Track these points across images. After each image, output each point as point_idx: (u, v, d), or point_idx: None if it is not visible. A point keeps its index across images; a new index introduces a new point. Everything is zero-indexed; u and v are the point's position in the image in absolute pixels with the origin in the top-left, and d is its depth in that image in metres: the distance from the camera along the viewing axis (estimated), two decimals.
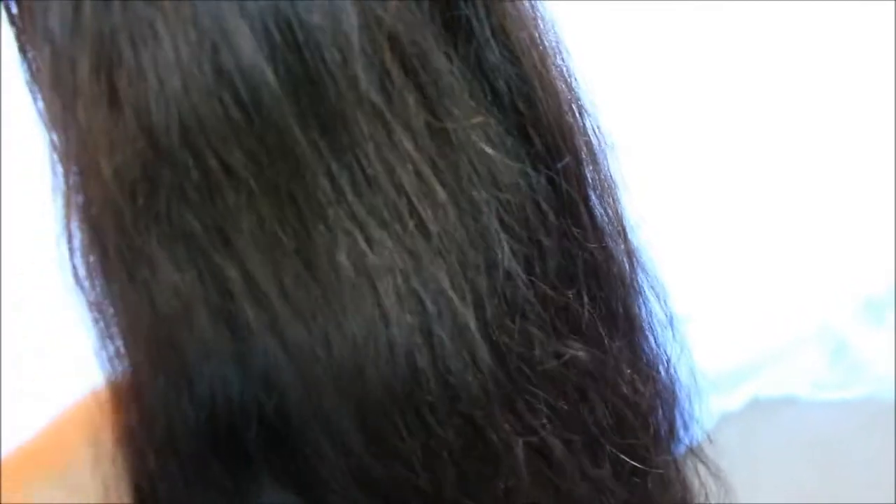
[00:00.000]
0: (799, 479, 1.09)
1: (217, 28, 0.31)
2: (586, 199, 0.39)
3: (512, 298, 0.35)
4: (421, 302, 0.32)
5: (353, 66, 0.31)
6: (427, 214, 0.33)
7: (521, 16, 0.37)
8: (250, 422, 0.32)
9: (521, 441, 0.34)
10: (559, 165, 0.37)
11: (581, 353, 0.37)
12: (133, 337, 0.34)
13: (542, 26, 0.38)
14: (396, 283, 0.32)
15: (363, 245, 0.32)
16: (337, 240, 0.32)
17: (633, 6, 1.05)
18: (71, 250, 0.36)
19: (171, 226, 0.32)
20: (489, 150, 0.34)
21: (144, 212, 0.32)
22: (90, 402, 0.38)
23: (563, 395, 0.37)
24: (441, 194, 0.33)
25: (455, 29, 0.35)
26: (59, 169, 0.36)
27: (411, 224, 0.32)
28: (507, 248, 0.34)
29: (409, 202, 0.32)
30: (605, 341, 0.39)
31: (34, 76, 0.37)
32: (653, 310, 0.45)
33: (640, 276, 0.44)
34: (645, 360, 0.44)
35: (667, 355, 0.47)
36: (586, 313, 0.38)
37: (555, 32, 0.39)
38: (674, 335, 0.47)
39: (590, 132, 0.40)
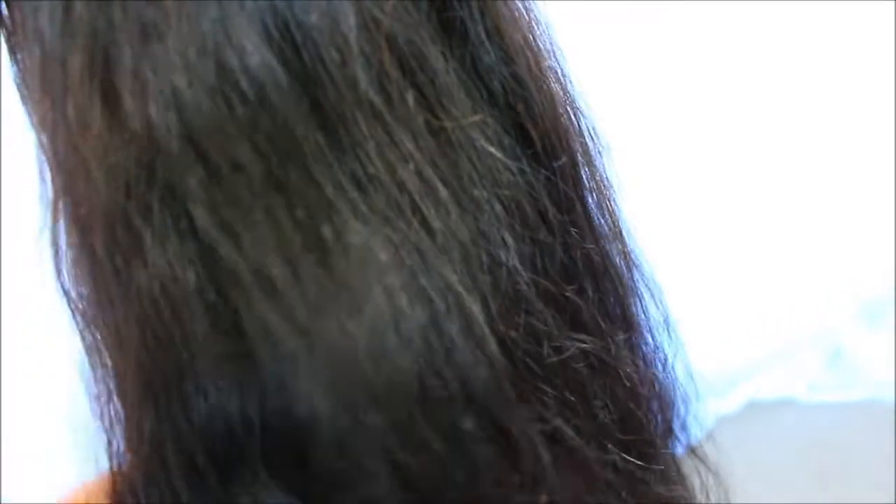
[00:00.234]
0: (797, 481, 1.09)
1: (220, 27, 0.31)
2: (583, 200, 0.40)
3: (515, 294, 0.35)
4: (429, 298, 0.32)
5: (351, 66, 0.32)
6: (430, 212, 0.33)
7: (516, 17, 0.37)
8: (253, 427, 0.32)
9: (538, 429, 0.34)
10: (556, 166, 0.37)
11: (585, 346, 0.37)
12: (121, 343, 0.34)
13: (536, 28, 0.39)
14: (404, 279, 0.32)
15: (370, 242, 0.32)
16: (346, 236, 0.32)
17: (629, 7, 1.06)
18: (56, 254, 0.36)
19: (170, 224, 0.32)
20: (489, 148, 0.34)
21: (139, 211, 0.31)
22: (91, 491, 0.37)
23: (569, 387, 0.37)
24: (442, 192, 0.33)
25: (450, 30, 0.35)
26: (46, 172, 0.36)
27: (415, 222, 0.32)
28: (508, 245, 0.35)
29: (412, 200, 0.32)
30: (608, 335, 0.40)
31: (23, 77, 0.37)
32: (649, 310, 0.45)
33: (636, 277, 0.44)
34: (642, 360, 0.45)
35: (664, 355, 0.47)
36: (588, 308, 0.38)
37: (549, 34, 0.40)
38: (670, 336, 0.47)
39: (585, 134, 0.40)
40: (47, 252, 0.36)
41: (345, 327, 0.31)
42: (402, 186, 0.32)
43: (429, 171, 0.33)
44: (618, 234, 0.42)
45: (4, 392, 0.77)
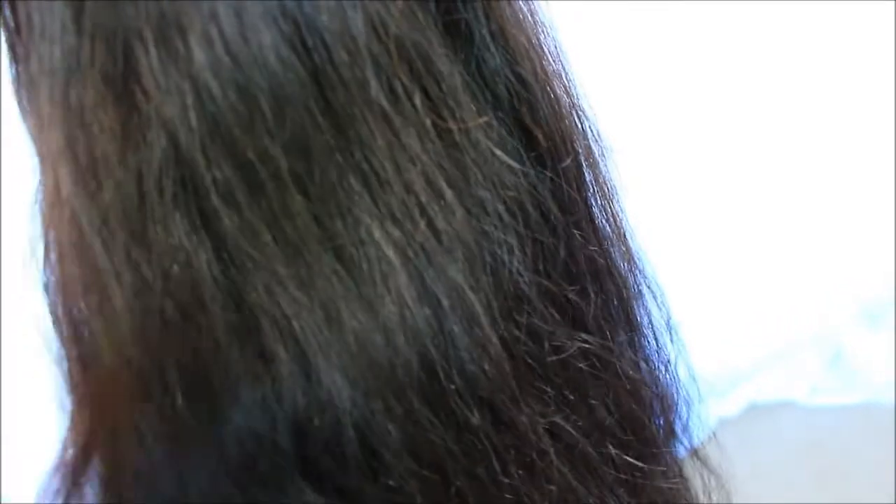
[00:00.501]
0: (797, 482, 1.09)
1: (238, 26, 0.31)
2: (586, 202, 0.40)
3: (518, 294, 0.35)
4: (435, 296, 0.33)
5: (361, 68, 0.32)
6: (435, 213, 0.33)
7: (521, 20, 0.37)
8: (278, 426, 0.33)
9: (541, 422, 0.36)
10: (560, 168, 0.38)
11: (586, 346, 0.38)
12: (117, 353, 0.34)
13: (541, 30, 0.39)
14: (412, 278, 0.33)
15: (380, 241, 0.33)
16: (359, 235, 0.33)
17: (632, 7, 1.06)
18: (48, 262, 0.36)
19: (188, 224, 0.32)
20: (493, 151, 0.35)
21: (158, 211, 0.32)
22: None
23: (569, 385, 0.38)
24: (448, 193, 0.34)
25: (455, 33, 0.35)
26: (42, 178, 0.36)
27: (422, 222, 0.33)
28: (511, 246, 0.35)
29: (419, 201, 0.33)
30: (609, 336, 0.40)
31: (25, 78, 0.37)
32: (651, 312, 0.46)
33: (639, 279, 0.44)
34: (645, 361, 0.45)
35: (666, 356, 0.47)
36: (590, 309, 0.39)
37: (554, 36, 0.40)
38: (671, 338, 0.47)
39: (589, 136, 0.41)
40: (36, 260, 0.36)
41: (358, 323, 0.32)
42: (409, 187, 0.33)
43: (435, 173, 0.33)
44: (621, 237, 0.42)
45: (4, 392, 0.77)
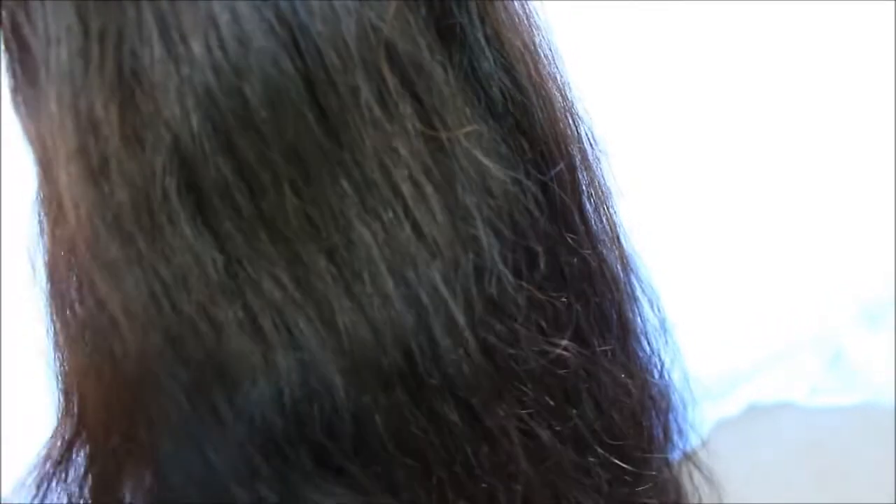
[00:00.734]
0: (797, 483, 1.09)
1: (236, 32, 0.31)
2: (580, 205, 0.40)
3: (500, 300, 0.36)
4: (419, 298, 0.34)
5: (352, 73, 0.33)
6: (421, 218, 0.34)
7: (516, 23, 0.38)
8: (287, 416, 0.34)
9: (514, 427, 0.37)
10: (553, 172, 0.38)
11: (567, 353, 0.38)
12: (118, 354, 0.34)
13: (536, 34, 0.39)
14: (397, 281, 0.34)
15: (369, 243, 0.34)
16: (349, 237, 0.34)
17: (629, 8, 1.06)
18: (50, 262, 0.36)
19: (190, 223, 0.33)
20: (482, 158, 0.35)
21: (160, 211, 0.32)
22: None
23: (549, 391, 0.39)
24: (433, 199, 0.34)
25: (449, 37, 0.35)
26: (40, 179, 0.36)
27: (408, 227, 0.34)
28: (496, 253, 0.36)
29: (405, 205, 0.34)
30: (595, 342, 0.40)
31: (24, 82, 0.37)
32: (646, 315, 0.46)
33: (633, 282, 0.44)
34: (638, 364, 0.45)
35: (660, 360, 0.47)
36: (576, 314, 0.39)
37: (549, 39, 0.40)
38: (666, 340, 0.47)
39: (584, 139, 0.41)
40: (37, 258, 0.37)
41: (350, 322, 0.34)
42: (396, 191, 0.34)
43: (422, 178, 0.34)
44: (615, 240, 0.42)
45: (4, 392, 0.77)
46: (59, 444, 0.39)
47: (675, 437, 0.50)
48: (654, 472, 0.45)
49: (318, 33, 0.32)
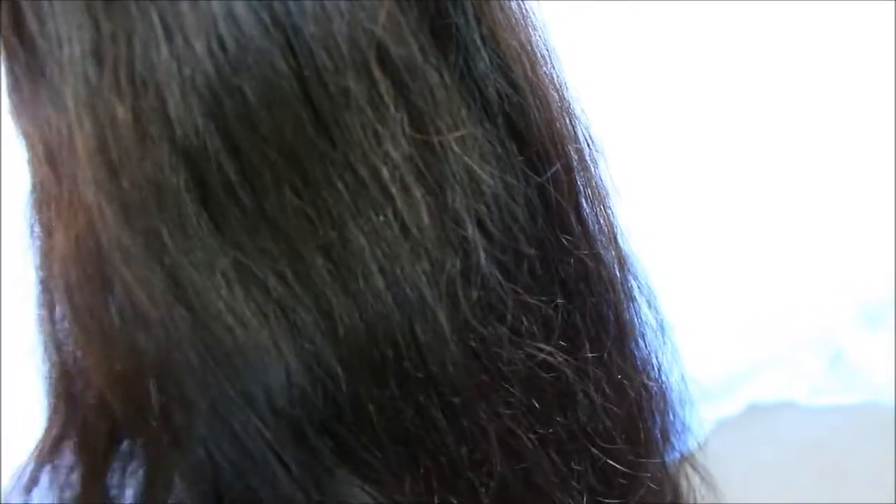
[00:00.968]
0: (797, 483, 1.09)
1: (236, 34, 0.32)
2: (577, 206, 0.40)
3: (487, 302, 0.37)
4: (407, 297, 0.35)
5: (343, 75, 0.33)
6: (409, 219, 0.35)
7: (512, 23, 0.38)
8: (296, 406, 0.35)
9: (494, 430, 0.38)
10: (549, 173, 0.38)
11: (554, 358, 0.39)
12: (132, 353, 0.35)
13: (533, 33, 0.39)
14: (389, 280, 0.35)
15: (362, 243, 0.34)
16: (345, 236, 0.34)
17: (627, 7, 1.05)
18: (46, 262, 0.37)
19: (195, 218, 0.33)
20: (474, 161, 0.36)
21: (169, 206, 0.33)
22: None
23: (538, 394, 0.39)
24: (422, 202, 0.35)
25: (445, 37, 0.35)
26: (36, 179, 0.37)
27: (397, 227, 0.35)
28: (485, 255, 0.36)
29: (394, 207, 0.34)
30: (590, 344, 0.40)
31: (23, 80, 0.37)
32: (643, 316, 0.46)
33: (631, 282, 0.44)
34: (635, 365, 0.45)
35: (658, 361, 0.47)
36: (566, 318, 0.39)
37: (546, 39, 0.40)
38: (664, 341, 0.47)
39: (581, 139, 0.41)
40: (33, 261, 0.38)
41: (348, 317, 0.35)
42: (386, 193, 0.34)
43: (411, 180, 0.34)
44: (612, 240, 0.42)
45: (4, 392, 0.77)
46: (51, 438, 0.40)
47: (674, 438, 0.50)
48: (650, 473, 0.45)
49: (311, 35, 0.32)
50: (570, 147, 0.39)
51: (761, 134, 1.14)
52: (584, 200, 0.40)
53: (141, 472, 0.40)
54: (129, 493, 0.39)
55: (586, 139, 0.41)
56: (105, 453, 0.39)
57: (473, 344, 0.36)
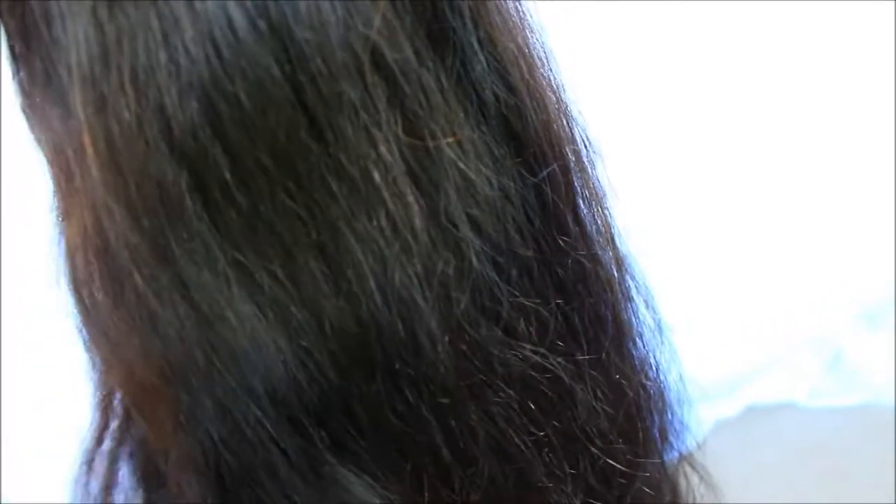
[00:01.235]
0: (796, 485, 1.09)
1: (229, 34, 0.32)
2: (575, 207, 0.40)
3: (481, 305, 0.37)
4: (397, 299, 0.36)
5: (338, 80, 0.33)
6: (401, 222, 0.35)
7: (509, 26, 0.38)
8: (293, 402, 0.36)
9: (486, 431, 0.38)
10: (546, 174, 0.38)
11: (550, 359, 0.39)
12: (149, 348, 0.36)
13: (530, 36, 0.39)
14: (380, 283, 0.35)
15: (354, 246, 0.35)
16: (338, 238, 0.35)
17: (624, 8, 1.06)
18: (71, 260, 0.38)
19: (197, 219, 0.34)
20: (469, 164, 0.36)
21: (182, 210, 0.34)
22: None
23: (532, 396, 0.39)
24: (415, 205, 0.35)
25: (441, 41, 0.35)
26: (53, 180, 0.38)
27: (388, 230, 0.35)
28: (478, 258, 0.36)
29: (387, 210, 0.35)
30: (584, 347, 0.40)
31: (31, 88, 0.38)
32: (641, 316, 0.46)
33: (629, 283, 0.45)
34: (634, 365, 0.45)
35: (656, 361, 0.47)
36: (563, 320, 0.39)
37: (543, 41, 0.40)
38: (662, 341, 0.48)
39: (578, 141, 0.41)
40: (56, 259, 0.39)
41: (339, 319, 0.35)
42: (379, 196, 0.34)
43: (404, 184, 0.35)
44: (610, 241, 0.43)
45: (4, 392, 0.78)
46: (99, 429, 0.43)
47: (672, 438, 0.50)
48: (649, 473, 0.45)
49: (306, 40, 0.33)
50: (567, 149, 0.39)
51: (760, 134, 1.14)
52: (581, 201, 0.41)
53: (141, 456, 0.42)
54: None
55: (583, 141, 0.41)
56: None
57: (465, 346, 0.37)
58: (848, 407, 1.18)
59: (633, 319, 0.45)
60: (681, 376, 0.51)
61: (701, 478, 0.54)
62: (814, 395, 1.19)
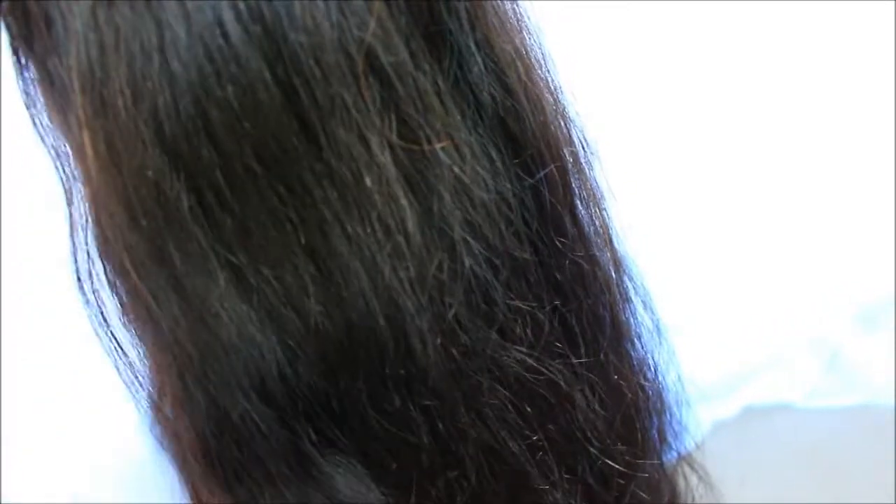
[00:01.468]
0: (794, 486, 1.09)
1: (221, 40, 0.32)
2: (572, 208, 0.40)
3: (476, 308, 0.37)
4: (388, 303, 0.36)
5: (332, 83, 0.33)
6: (394, 225, 0.35)
7: (507, 28, 0.38)
8: (284, 397, 0.37)
9: (474, 435, 0.38)
10: (544, 176, 0.38)
11: (546, 361, 0.39)
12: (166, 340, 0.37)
13: (527, 37, 0.39)
14: (370, 284, 0.35)
15: (346, 251, 0.35)
16: (329, 242, 0.35)
17: (622, 8, 1.06)
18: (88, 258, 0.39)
19: (195, 224, 0.34)
20: (465, 167, 0.36)
21: (179, 215, 0.34)
22: None
23: (529, 398, 0.39)
24: (408, 208, 0.35)
25: (438, 43, 0.35)
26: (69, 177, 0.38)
27: (380, 233, 0.35)
28: (473, 261, 0.36)
29: (379, 214, 0.35)
30: (582, 348, 0.40)
31: (35, 88, 0.38)
32: (639, 317, 0.46)
33: (627, 284, 0.45)
34: (632, 366, 0.45)
35: (654, 362, 0.47)
36: (556, 322, 0.39)
37: (540, 43, 0.40)
38: (661, 342, 0.48)
39: (576, 142, 0.41)
40: (79, 257, 0.40)
41: (331, 324, 0.36)
42: (371, 199, 0.34)
43: (398, 187, 0.35)
44: (608, 242, 0.43)
45: (4, 392, 0.78)
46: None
47: (671, 438, 0.50)
48: (647, 473, 0.45)
49: (300, 44, 0.33)
50: (564, 150, 0.40)
51: (757, 135, 1.13)
52: (579, 203, 0.41)
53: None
54: None
55: (581, 142, 0.41)
56: None
57: (458, 349, 0.37)
58: (846, 407, 1.18)
59: (632, 320, 0.45)
60: (679, 377, 0.51)
61: (699, 478, 0.54)
62: (812, 396, 1.19)
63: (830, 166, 1.15)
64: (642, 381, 0.46)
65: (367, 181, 0.34)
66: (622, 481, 0.43)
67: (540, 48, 0.40)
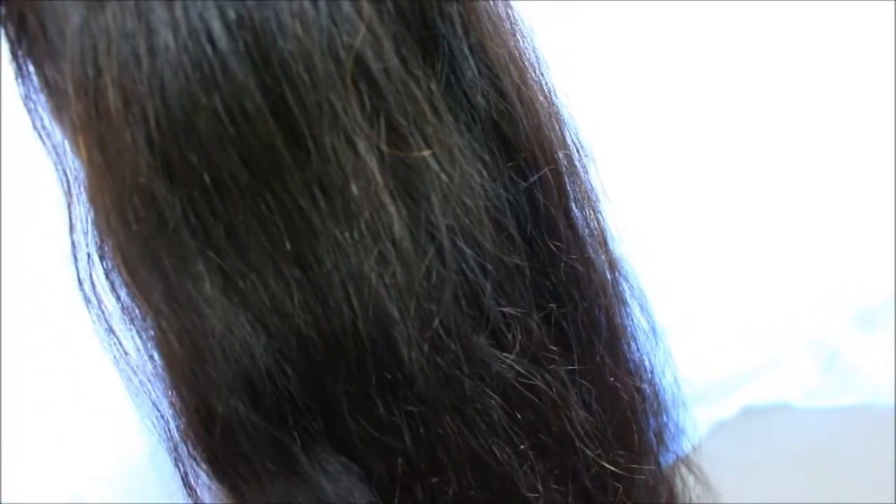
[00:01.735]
0: (793, 486, 1.09)
1: (209, 47, 0.32)
2: (567, 211, 0.40)
3: (465, 314, 0.37)
4: (372, 309, 0.36)
5: (321, 91, 0.33)
6: (382, 232, 0.35)
7: (500, 32, 0.38)
8: (278, 395, 0.37)
9: (459, 442, 0.38)
10: (538, 179, 0.38)
11: (539, 367, 0.39)
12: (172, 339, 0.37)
13: (520, 41, 0.39)
14: (357, 290, 0.35)
15: (333, 257, 0.35)
16: (316, 249, 0.35)
17: (619, 8, 1.06)
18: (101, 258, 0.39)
19: (184, 227, 0.34)
20: (457, 172, 0.36)
21: (172, 218, 0.34)
22: None
23: (521, 404, 0.39)
24: (396, 215, 0.35)
25: (431, 47, 0.35)
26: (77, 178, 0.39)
27: (368, 239, 0.35)
28: (463, 266, 0.36)
29: (366, 220, 0.35)
30: (578, 351, 0.40)
31: (34, 90, 0.38)
32: (635, 319, 0.46)
33: (622, 286, 0.45)
34: (628, 368, 0.45)
35: (651, 364, 0.47)
36: (552, 325, 0.39)
37: (534, 46, 0.40)
38: (657, 344, 0.48)
39: (570, 144, 0.41)
40: (81, 259, 0.40)
41: (316, 332, 0.36)
42: (358, 206, 0.34)
43: (386, 194, 0.35)
44: (603, 244, 0.43)
45: (5, 393, 0.78)
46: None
47: (668, 440, 0.50)
48: (644, 475, 0.45)
49: (289, 52, 0.32)
50: (559, 153, 0.39)
51: (755, 136, 1.13)
52: (573, 205, 0.41)
53: None
54: None
55: (575, 144, 0.41)
56: None
57: (444, 357, 0.37)
58: (844, 408, 1.17)
59: (628, 322, 0.45)
60: (676, 378, 0.51)
61: (697, 479, 0.54)
62: (810, 397, 1.19)
63: (829, 167, 1.15)
64: (639, 384, 0.46)
65: (354, 188, 0.34)
66: (619, 484, 0.43)
67: (533, 50, 0.40)
